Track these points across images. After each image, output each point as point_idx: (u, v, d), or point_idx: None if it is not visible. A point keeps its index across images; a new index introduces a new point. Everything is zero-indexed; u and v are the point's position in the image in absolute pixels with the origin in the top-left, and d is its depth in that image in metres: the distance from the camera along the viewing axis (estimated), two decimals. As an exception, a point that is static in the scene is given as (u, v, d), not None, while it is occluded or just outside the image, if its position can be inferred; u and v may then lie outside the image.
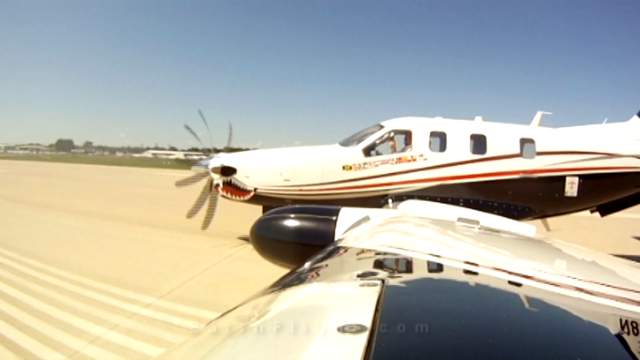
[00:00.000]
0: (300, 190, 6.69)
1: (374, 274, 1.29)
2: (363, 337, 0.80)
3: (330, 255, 1.95)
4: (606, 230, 8.71)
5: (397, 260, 1.71)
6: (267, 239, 3.26)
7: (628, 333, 1.04)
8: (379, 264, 1.64)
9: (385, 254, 1.81)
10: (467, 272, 1.53)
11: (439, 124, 6.98)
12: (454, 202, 6.31)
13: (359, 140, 6.95)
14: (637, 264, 2.15)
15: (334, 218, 3.03)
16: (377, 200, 6.54)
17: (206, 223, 7.63)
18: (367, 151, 6.78)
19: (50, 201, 15.80)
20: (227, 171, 6.91)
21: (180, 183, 7.95)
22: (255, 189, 6.88)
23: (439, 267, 1.62)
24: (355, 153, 6.75)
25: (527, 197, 6.61)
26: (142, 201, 17.74)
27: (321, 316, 0.98)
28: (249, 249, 3.82)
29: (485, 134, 6.68)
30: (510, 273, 1.49)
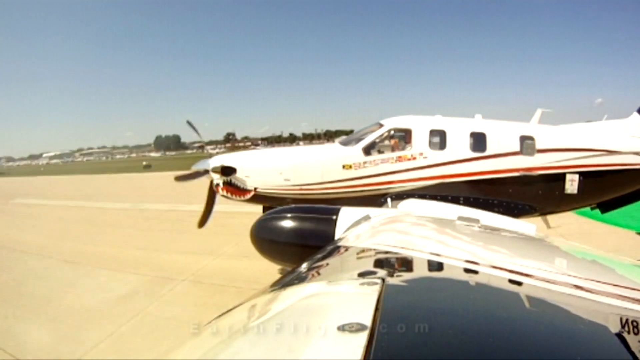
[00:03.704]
0: (301, 189, 6.68)
1: (374, 273, 1.29)
2: (363, 336, 0.80)
3: (330, 254, 1.95)
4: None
5: (397, 260, 1.70)
6: (267, 240, 3.24)
7: (628, 331, 1.04)
8: (379, 263, 1.64)
9: (385, 253, 1.81)
10: (467, 271, 1.53)
11: (439, 122, 6.95)
12: (454, 200, 6.29)
13: (359, 139, 6.92)
14: (636, 262, 2.15)
15: (334, 218, 3.02)
16: (377, 199, 6.53)
17: (203, 221, 7.47)
18: (367, 150, 6.75)
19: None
20: (227, 171, 6.90)
21: (180, 178, 7.75)
22: (255, 189, 6.87)
23: (439, 266, 1.62)
24: (355, 152, 6.73)
25: (527, 195, 6.59)
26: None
27: (321, 315, 0.98)
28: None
29: (485, 132, 6.66)
30: (510, 272, 1.49)
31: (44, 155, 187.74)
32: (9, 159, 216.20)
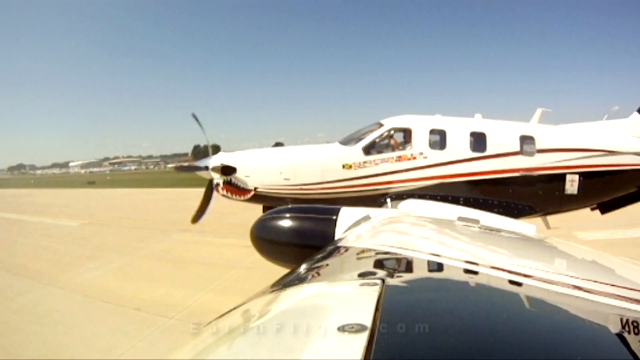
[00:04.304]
0: (301, 189, 6.68)
1: (374, 273, 1.29)
2: (363, 337, 0.80)
3: (330, 254, 1.96)
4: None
5: (397, 260, 1.71)
6: (267, 240, 3.24)
7: (628, 331, 1.04)
8: (379, 264, 1.64)
9: (385, 253, 1.81)
10: (467, 271, 1.53)
11: (439, 121, 6.95)
12: (454, 200, 6.29)
13: (359, 139, 6.92)
14: (636, 262, 2.15)
15: (334, 218, 3.03)
16: (377, 199, 6.53)
17: (197, 217, 7.41)
18: (367, 150, 6.76)
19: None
20: (227, 170, 6.90)
21: (179, 168, 7.90)
22: (255, 188, 6.87)
23: (439, 267, 1.62)
24: (355, 151, 6.74)
25: (527, 195, 6.59)
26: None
27: (321, 316, 0.99)
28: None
29: (485, 132, 6.66)
30: (510, 272, 1.49)
31: (71, 164, 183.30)
32: (32, 167, 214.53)
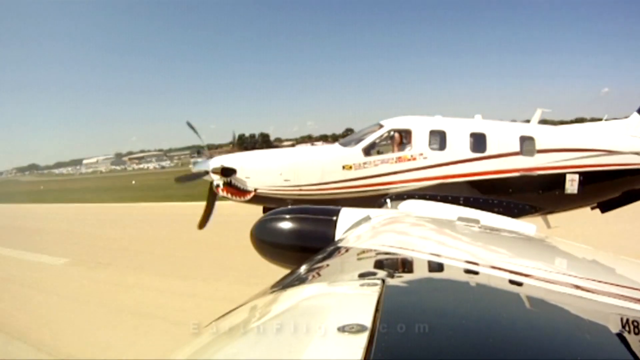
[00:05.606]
0: (301, 190, 6.68)
1: (374, 274, 1.29)
2: (363, 337, 0.80)
3: (330, 255, 1.96)
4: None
5: (397, 260, 1.71)
6: (268, 241, 3.24)
7: (629, 331, 1.04)
8: (379, 264, 1.64)
9: (385, 254, 1.81)
10: (467, 271, 1.53)
11: (439, 122, 6.96)
12: (454, 200, 6.29)
13: (359, 140, 6.94)
14: (637, 261, 2.15)
15: (334, 219, 3.02)
16: (377, 200, 6.53)
17: (203, 222, 7.45)
18: (367, 151, 6.76)
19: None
20: (227, 172, 6.90)
21: (180, 179, 7.85)
22: (255, 190, 6.88)
23: (439, 267, 1.62)
24: (355, 152, 6.74)
25: (527, 195, 6.60)
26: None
27: (322, 316, 0.99)
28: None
29: (485, 132, 6.66)
30: (510, 272, 1.49)
31: (85, 161, 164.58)
32: (37, 167, 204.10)
